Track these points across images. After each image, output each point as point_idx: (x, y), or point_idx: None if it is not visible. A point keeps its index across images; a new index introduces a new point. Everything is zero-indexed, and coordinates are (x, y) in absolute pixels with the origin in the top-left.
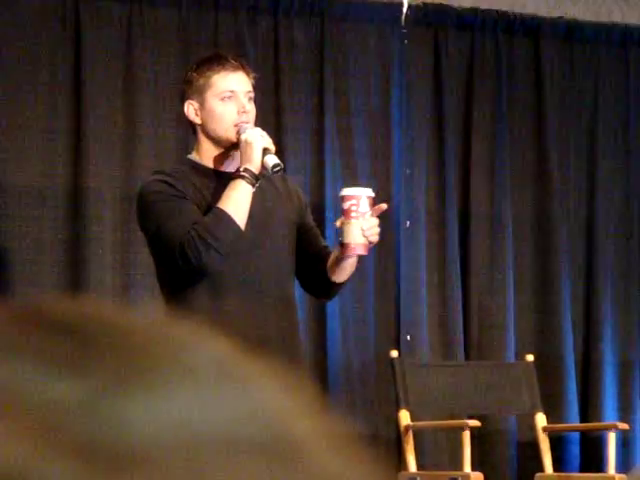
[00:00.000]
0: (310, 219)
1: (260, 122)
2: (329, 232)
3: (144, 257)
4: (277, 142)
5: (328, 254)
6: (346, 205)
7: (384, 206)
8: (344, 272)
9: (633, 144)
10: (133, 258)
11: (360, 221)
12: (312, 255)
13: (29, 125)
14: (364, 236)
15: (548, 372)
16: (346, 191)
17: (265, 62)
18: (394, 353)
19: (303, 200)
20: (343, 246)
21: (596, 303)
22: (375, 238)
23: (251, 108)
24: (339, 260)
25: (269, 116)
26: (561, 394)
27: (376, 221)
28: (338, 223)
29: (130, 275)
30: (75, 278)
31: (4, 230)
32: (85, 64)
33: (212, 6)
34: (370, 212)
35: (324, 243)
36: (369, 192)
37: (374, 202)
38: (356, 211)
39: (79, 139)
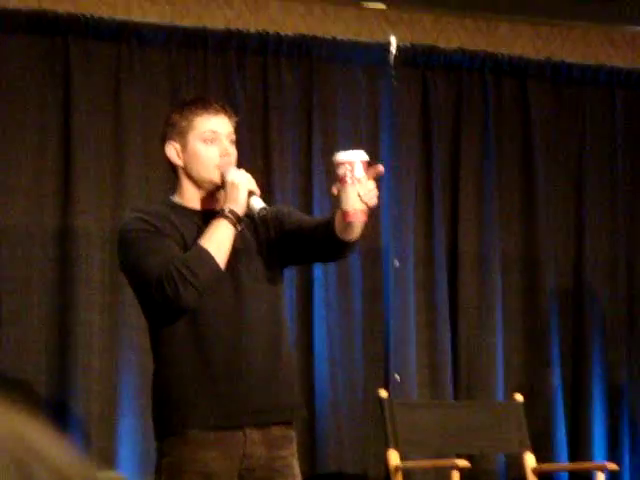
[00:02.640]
0: (288, 210)
1: (248, 161)
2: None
3: (132, 297)
4: (265, 181)
5: (323, 220)
6: (340, 171)
7: (380, 167)
8: (353, 231)
9: (620, 184)
10: (122, 298)
11: (356, 186)
12: (309, 230)
13: (18, 165)
14: (362, 201)
15: (537, 411)
16: (340, 156)
17: (254, 102)
18: (383, 393)
19: (276, 210)
20: (342, 213)
21: (585, 342)
22: (373, 201)
23: (233, 151)
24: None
25: (257, 155)
26: (550, 433)
27: (372, 184)
28: (334, 190)
29: (118, 315)
30: (63, 318)
31: None
32: (74, 104)
33: (201, 47)
34: (365, 176)
35: (313, 217)
36: (363, 156)
37: (368, 166)
38: (351, 176)
39: (68, 179)
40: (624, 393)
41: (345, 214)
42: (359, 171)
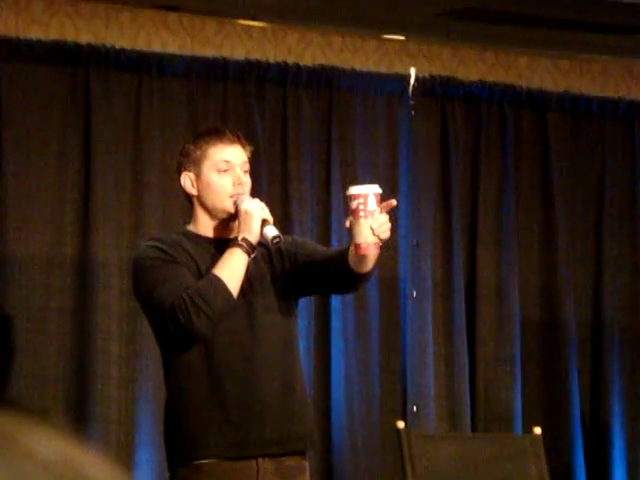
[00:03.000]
0: (302, 241)
1: (267, 191)
2: None
3: (148, 325)
4: (283, 212)
5: (337, 252)
6: (354, 204)
7: (393, 202)
8: (367, 264)
9: (639, 215)
10: (140, 327)
11: (369, 220)
12: (323, 262)
13: (38, 194)
14: (375, 234)
15: (556, 445)
16: (353, 190)
17: (273, 132)
18: (400, 424)
19: (291, 240)
20: (355, 246)
21: (603, 375)
22: (386, 235)
23: (247, 180)
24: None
25: (276, 186)
26: (570, 468)
27: (386, 218)
28: (347, 223)
29: (136, 344)
30: (81, 347)
31: (11, 297)
32: (95, 134)
33: (221, 76)
34: (379, 209)
35: (327, 248)
36: (376, 189)
37: (382, 199)
38: (364, 210)
39: (87, 208)
40: None
41: (358, 247)
42: (372, 204)
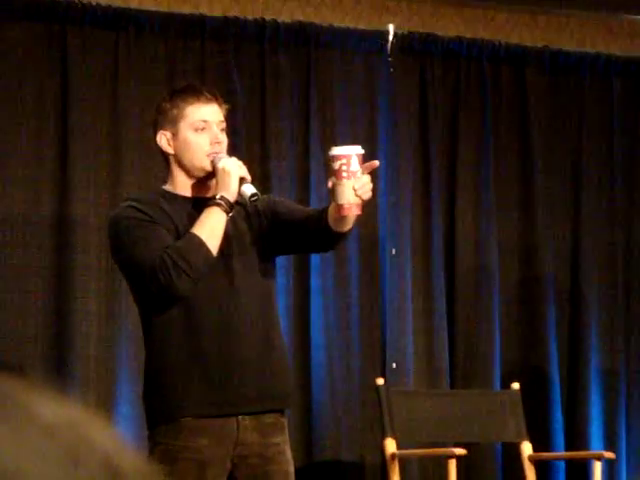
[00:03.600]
0: (280, 200)
1: (245, 149)
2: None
3: (127, 285)
4: (262, 169)
5: (316, 211)
6: (336, 165)
7: (376, 163)
8: (347, 223)
9: (617, 171)
10: (118, 286)
11: (352, 180)
12: (301, 221)
13: (15, 153)
14: (357, 195)
15: (534, 400)
16: (335, 150)
17: (251, 89)
18: (380, 381)
19: (268, 199)
20: (337, 207)
21: (581, 331)
22: (368, 195)
23: (224, 138)
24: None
25: (254, 143)
26: (547, 422)
27: (368, 178)
28: (329, 184)
29: (115, 303)
30: (60, 306)
31: None
32: (71, 91)
33: (198, 34)
34: (361, 170)
35: (305, 207)
36: (359, 150)
37: (364, 159)
38: (347, 170)
39: (64, 167)
40: (621, 382)
41: (340, 208)
42: (355, 165)
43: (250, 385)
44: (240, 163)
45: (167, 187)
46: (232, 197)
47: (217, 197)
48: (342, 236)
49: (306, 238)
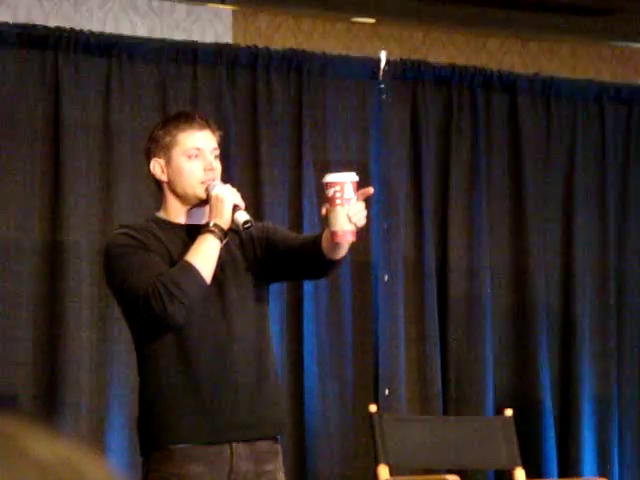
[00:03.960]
0: (274, 227)
1: (238, 175)
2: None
3: (120, 312)
4: (255, 196)
5: (310, 238)
6: (330, 192)
7: (370, 190)
8: (341, 251)
9: (609, 198)
10: (110, 313)
11: (345, 207)
12: (295, 248)
13: (7, 178)
14: (351, 222)
15: (527, 426)
16: (330, 177)
17: (244, 116)
18: (373, 408)
19: (262, 227)
20: (331, 234)
21: (574, 357)
22: (362, 222)
23: (217, 165)
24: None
25: (247, 170)
26: (540, 448)
27: (362, 205)
28: (324, 211)
29: (107, 329)
30: (51, 333)
31: None
32: (64, 117)
33: (191, 61)
34: (355, 197)
35: (298, 234)
36: (353, 177)
37: (358, 186)
38: (341, 197)
39: (57, 193)
40: (613, 408)
41: (334, 235)
42: (349, 192)
43: (244, 412)
44: (234, 190)
45: (160, 214)
46: (225, 224)
47: (211, 224)
48: (336, 263)
49: (300, 265)
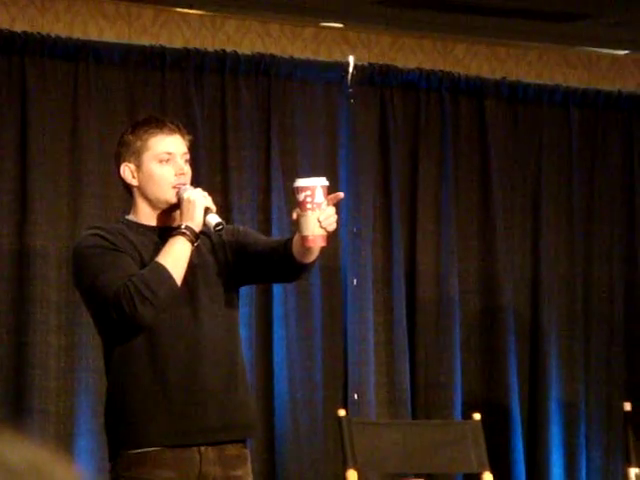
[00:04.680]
0: (244, 230)
1: (206, 180)
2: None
3: (89, 317)
4: (223, 200)
5: (280, 242)
6: (301, 197)
7: (341, 194)
8: (311, 255)
9: (576, 201)
10: (78, 318)
11: (316, 212)
12: (265, 251)
13: None
14: (321, 227)
15: (495, 430)
16: (300, 182)
17: (212, 120)
18: (342, 412)
19: (232, 230)
20: (301, 239)
21: (541, 361)
22: (332, 227)
23: (188, 170)
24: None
25: (216, 174)
26: (508, 453)
27: (332, 210)
28: (294, 215)
29: (75, 335)
30: (19, 338)
31: None
32: (31, 123)
33: (159, 65)
34: (326, 202)
35: (269, 238)
36: (323, 182)
37: (328, 191)
38: (311, 202)
39: (24, 198)
40: (580, 411)
41: (305, 239)
42: (319, 197)
43: (213, 415)
44: (205, 193)
45: (131, 217)
46: (197, 227)
47: (182, 226)
48: (306, 267)
49: (270, 269)
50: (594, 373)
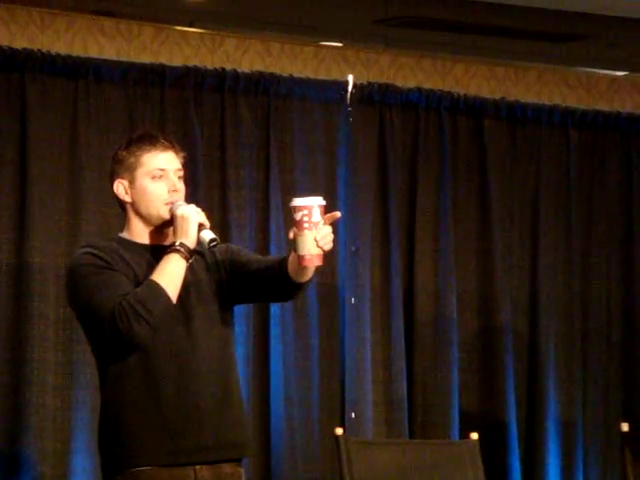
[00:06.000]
0: (238, 249)
1: (205, 198)
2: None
3: (83, 333)
4: (222, 218)
5: (275, 261)
6: (298, 216)
7: (338, 214)
8: (307, 274)
9: (575, 221)
10: (76, 335)
11: (313, 231)
12: (260, 270)
13: None
14: (318, 246)
15: (492, 450)
16: (297, 201)
17: (211, 138)
18: (339, 431)
19: (226, 249)
20: (298, 258)
21: (539, 381)
22: (329, 246)
23: (181, 187)
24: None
25: (214, 192)
26: (505, 472)
27: (329, 230)
28: (291, 235)
29: (72, 352)
30: (17, 355)
31: None
32: (30, 140)
33: (158, 83)
34: (322, 221)
35: (263, 257)
36: (320, 201)
37: (326, 210)
38: (308, 221)
39: (23, 215)
40: (578, 432)
41: (301, 259)
42: (316, 216)
43: (208, 434)
44: (198, 210)
45: (124, 235)
46: (191, 244)
47: (176, 244)
48: (302, 286)
49: (265, 288)
50: (592, 393)
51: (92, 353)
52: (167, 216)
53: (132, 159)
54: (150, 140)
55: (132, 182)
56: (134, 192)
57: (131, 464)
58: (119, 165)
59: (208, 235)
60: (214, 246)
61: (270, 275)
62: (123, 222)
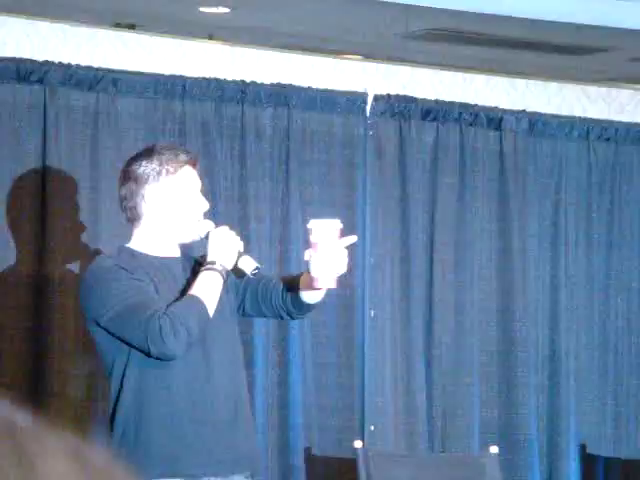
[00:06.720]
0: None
1: (225, 210)
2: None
3: (94, 339)
4: (241, 231)
5: (286, 281)
6: (314, 237)
7: (354, 238)
8: (318, 295)
9: (596, 234)
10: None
11: (328, 254)
12: (269, 289)
13: None
14: (333, 269)
15: (512, 464)
16: (314, 223)
17: (231, 151)
18: (358, 443)
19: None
20: (312, 279)
21: (561, 394)
22: (343, 269)
23: (207, 203)
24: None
25: (234, 205)
26: None
27: (345, 253)
28: (307, 256)
29: (93, 363)
30: (36, 366)
31: None
32: (50, 151)
33: (179, 95)
34: (339, 243)
35: (274, 276)
36: (337, 224)
37: (342, 233)
38: (324, 244)
39: (43, 227)
40: (599, 446)
41: (315, 280)
42: (332, 238)
43: (221, 447)
44: (233, 233)
45: (133, 246)
46: (230, 267)
47: (217, 264)
48: (310, 307)
49: (273, 306)
50: (611, 408)
51: (104, 362)
52: (198, 234)
53: (163, 170)
54: (186, 154)
55: (161, 195)
56: (161, 205)
57: (144, 476)
58: (145, 175)
59: (250, 263)
60: (256, 274)
61: (280, 293)
62: (130, 232)
